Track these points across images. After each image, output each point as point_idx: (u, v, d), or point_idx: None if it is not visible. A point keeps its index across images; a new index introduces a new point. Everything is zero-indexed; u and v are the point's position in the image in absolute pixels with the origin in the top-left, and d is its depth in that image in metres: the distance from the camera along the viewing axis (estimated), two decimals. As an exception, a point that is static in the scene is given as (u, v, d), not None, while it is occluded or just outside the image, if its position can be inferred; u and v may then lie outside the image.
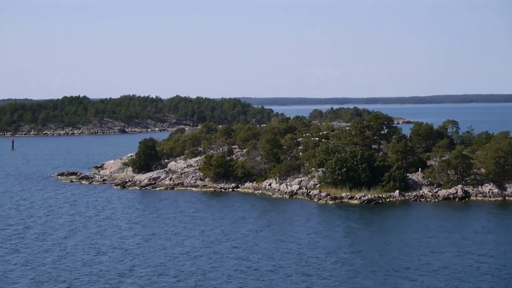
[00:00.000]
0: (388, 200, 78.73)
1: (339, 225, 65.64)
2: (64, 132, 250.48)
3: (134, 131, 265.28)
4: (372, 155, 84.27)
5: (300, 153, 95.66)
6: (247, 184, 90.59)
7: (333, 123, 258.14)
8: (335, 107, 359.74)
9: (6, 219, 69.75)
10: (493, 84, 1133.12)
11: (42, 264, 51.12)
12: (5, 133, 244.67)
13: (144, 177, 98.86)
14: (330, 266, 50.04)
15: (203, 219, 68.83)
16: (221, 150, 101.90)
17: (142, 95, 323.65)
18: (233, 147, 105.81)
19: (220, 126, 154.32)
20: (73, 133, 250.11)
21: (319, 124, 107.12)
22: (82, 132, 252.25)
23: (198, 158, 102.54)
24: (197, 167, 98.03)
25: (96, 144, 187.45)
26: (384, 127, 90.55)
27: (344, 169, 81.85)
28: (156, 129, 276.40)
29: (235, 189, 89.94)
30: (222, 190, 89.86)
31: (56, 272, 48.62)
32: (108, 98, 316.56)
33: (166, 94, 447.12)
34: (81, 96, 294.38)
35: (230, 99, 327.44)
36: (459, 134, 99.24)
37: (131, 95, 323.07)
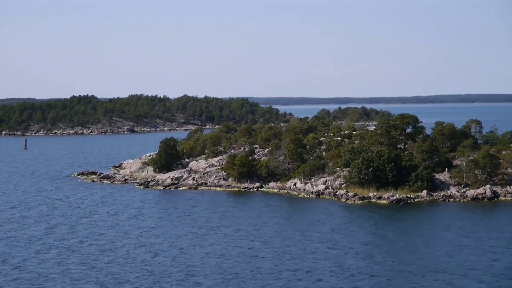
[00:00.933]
0: (417, 200, 78.39)
1: (372, 225, 65.26)
2: (73, 131, 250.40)
3: (143, 130, 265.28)
4: (399, 155, 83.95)
5: (323, 152, 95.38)
6: (271, 184, 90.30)
7: (340, 122, 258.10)
8: (343, 106, 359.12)
9: (51, 219, 69.51)
10: (495, 84, 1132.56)
11: (103, 263, 50.94)
12: (15, 133, 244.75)
13: (165, 177, 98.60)
14: (366, 266, 49.72)
15: (248, 219, 68.44)
16: (242, 150, 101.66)
17: (149, 95, 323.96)
18: (254, 146, 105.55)
19: (238, 125, 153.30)
20: (83, 133, 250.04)
21: (339, 123, 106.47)
22: (91, 132, 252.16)
23: (220, 157, 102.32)
24: (219, 167, 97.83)
25: (109, 144, 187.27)
26: (410, 126, 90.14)
27: (371, 168, 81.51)
28: (165, 128, 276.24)
29: (259, 189, 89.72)
30: (247, 189, 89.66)
31: (119, 272, 48.36)
32: (115, 97, 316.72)
33: (171, 93, 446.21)
34: (89, 95, 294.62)
35: (238, 99, 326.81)
36: (482, 133, 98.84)
37: (138, 94, 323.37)
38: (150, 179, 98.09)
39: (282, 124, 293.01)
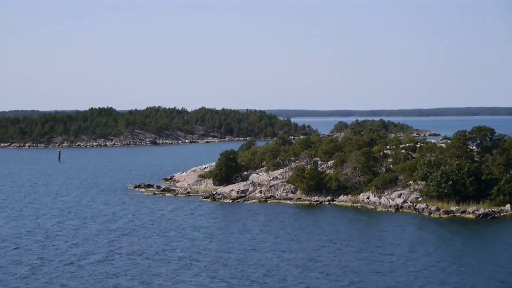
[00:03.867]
0: (502, 214, 77.32)
1: (470, 240, 64.18)
2: (96, 143, 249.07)
3: (165, 142, 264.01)
4: (479, 168, 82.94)
5: (391, 165, 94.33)
6: (342, 197, 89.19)
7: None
8: (344, 119, 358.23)
9: (142, 232, 68.30)
10: (496, 97, 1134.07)
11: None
12: (38, 145, 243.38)
13: (228, 190, 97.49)
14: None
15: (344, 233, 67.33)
16: (305, 163, 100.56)
17: (167, 107, 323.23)
18: (314, 159, 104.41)
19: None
20: (106, 145, 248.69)
21: (399, 136, 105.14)
22: (114, 144, 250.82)
23: (282, 170, 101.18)
24: (283, 180, 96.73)
25: (141, 156, 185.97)
26: (488, 139, 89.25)
27: (450, 182, 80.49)
28: (187, 141, 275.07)
29: (330, 202, 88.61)
30: (318, 203, 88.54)
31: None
32: (134, 109, 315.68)
33: (187, 105, 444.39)
34: (107, 107, 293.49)
35: (256, 111, 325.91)
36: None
37: (156, 106, 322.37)
38: (214, 192, 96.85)
39: (301, 137, 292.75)
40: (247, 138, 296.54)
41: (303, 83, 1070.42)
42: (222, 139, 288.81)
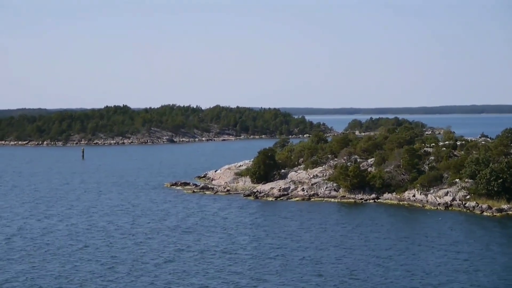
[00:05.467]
0: (556, 212, 76.78)
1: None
2: (114, 141, 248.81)
3: (182, 140, 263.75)
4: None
5: (434, 163, 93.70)
6: (387, 195, 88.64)
7: (373, 132, 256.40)
8: (375, 116, 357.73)
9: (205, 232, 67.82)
10: (500, 95, 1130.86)
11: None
12: (56, 143, 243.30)
13: (267, 187, 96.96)
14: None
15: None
16: (345, 160, 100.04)
17: (181, 105, 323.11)
18: (353, 157, 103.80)
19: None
20: (123, 143, 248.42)
21: (437, 133, 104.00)
22: (132, 142, 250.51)
23: (321, 168, 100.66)
24: (324, 178, 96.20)
25: (164, 154, 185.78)
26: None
27: (500, 180, 79.86)
28: (203, 138, 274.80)
29: (375, 200, 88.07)
30: (363, 201, 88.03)
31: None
32: (147, 107, 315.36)
33: (201, 103, 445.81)
34: (122, 105, 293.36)
35: (270, 109, 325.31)
36: None
37: (171, 104, 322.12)
38: (255, 190, 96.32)
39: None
40: (262, 136, 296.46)
41: (307, 81, 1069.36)
42: (237, 137, 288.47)
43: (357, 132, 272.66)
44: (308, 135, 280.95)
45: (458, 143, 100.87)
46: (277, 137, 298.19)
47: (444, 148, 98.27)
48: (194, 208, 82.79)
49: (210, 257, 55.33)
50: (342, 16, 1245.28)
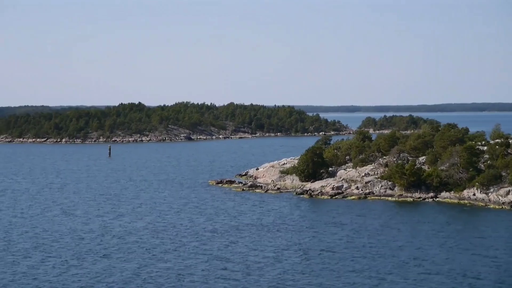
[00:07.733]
0: None
1: None
2: (132, 139, 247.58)
3: (200, 138, 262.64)
4: None
5: (488, 161, 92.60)
6: (445, 194, 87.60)
7: (387, 130, 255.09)
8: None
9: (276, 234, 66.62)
10: (501, 93, 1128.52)
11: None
12: (75, 140, 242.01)
13: (317, 186, 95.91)
14: None
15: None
16: (395, 159, 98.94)
17: (195, 102, 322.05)
18: (402, 155, 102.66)
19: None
20: (142, 140, 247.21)
21: (483, 132, 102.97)
22: (150, 139, 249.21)
23: (371, 166, 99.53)
24: (376, 176, 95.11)
25: (191, 151, 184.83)
26: None
27: None
28: (220, 136, 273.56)
29: (434, 199, 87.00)
30: (421, 200, 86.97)
31: None
32: (162, 105, 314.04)
33: (214, 100, 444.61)
34: (138, 103, 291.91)
35: (284, 107, 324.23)
36: None
37: (185, 102, 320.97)
38: (307, 188, 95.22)
39: (332, 132, 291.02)
40: (278, 133, 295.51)
41: (308, 79, 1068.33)
42: (253, 135, 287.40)
43: (371, 130, 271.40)
44: (323, 132, 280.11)
45: (510, 141, 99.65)
46: (293, 135, 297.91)
47: (498, 147, 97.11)
48: (257, 206, 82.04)
49: (316, 256, 54.60)
50: (342, 16, 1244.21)
